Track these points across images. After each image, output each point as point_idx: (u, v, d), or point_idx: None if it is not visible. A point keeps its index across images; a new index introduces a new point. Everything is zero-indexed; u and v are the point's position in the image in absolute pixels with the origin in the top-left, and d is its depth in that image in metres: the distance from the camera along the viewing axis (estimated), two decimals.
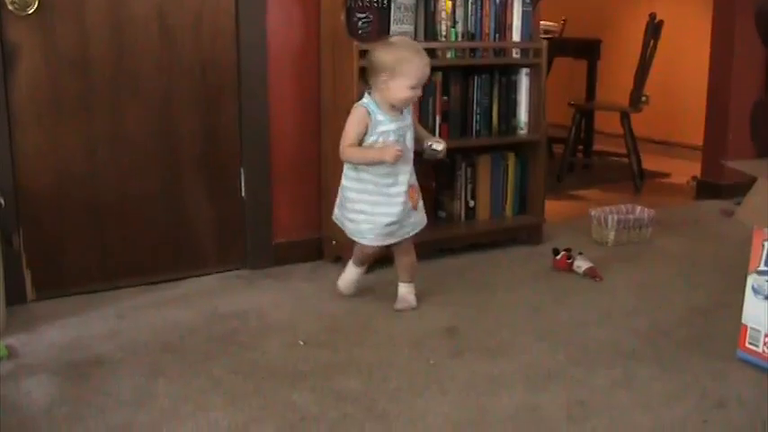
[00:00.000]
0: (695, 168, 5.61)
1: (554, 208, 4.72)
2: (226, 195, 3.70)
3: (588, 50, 6.57)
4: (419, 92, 3.16)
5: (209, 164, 3.64)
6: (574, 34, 7.08)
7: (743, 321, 2.79)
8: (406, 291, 3.31)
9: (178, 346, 2.92)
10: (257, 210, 3.76)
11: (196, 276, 3.65)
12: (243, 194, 3.73)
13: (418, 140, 3.27)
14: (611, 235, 4.22)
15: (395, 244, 3.25)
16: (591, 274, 3.68)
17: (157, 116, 3.49)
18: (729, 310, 2.93)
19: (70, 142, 3.33)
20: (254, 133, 3.69)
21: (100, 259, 3.46)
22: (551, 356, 2.85)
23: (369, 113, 3.12)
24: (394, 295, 3.34)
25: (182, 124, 3.55)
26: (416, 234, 3.29)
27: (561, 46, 6.45)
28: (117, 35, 3.36)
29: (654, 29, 5.73)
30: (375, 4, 3.73)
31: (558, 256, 3.80)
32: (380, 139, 3.12)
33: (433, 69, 3.78)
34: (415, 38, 3.81)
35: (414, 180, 3.24)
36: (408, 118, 3.21)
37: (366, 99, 3.16)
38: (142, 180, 3.50)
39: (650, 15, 5.72)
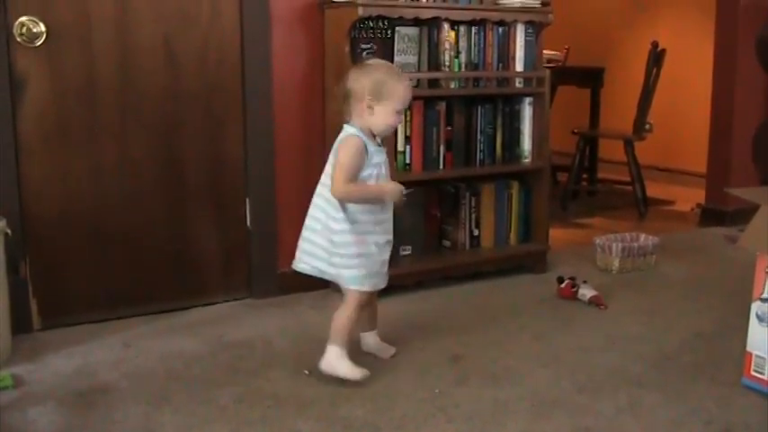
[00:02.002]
0: (699, 195, 5.62)
1: (558, 236, 4.73)
2: (231, 223, 3.72)
3: (592, 79, 6.61)
4: (401, 116, 2.91)
5: (215, 192, 3.66)
6: (577, 62, 7.11)
7: (747, 349, 2.79)
8: (378, 339, 3.15)
9: (184, 375, 2.93)
10: (262, 238, 3.77)
11: (202, 305, 3.66)
12: (248, 223, 3.74)
13: None
14: (616, 262, 4.23)
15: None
16: (595, 301, 3.68)
17: (163, 143, 3.52)
18: (734, 337, 2.93)
19: (76, 170, 3.35)
20: (260, 161, 3.71)
21: (105, 288, 3.47)
22: (556, 383, 2.85)
23: (365, 144, 2.84)
24: (398, 321, 3.34)
25: (187, 152, 3.57)
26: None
27: (565, 74, 6.49)
28: (123, 63, 3.40)
29: (656, 57, 5.76)
30: (379, 35, 3.76)
31: (563, 284, 3.81)
32: (374, 173, 2.85)
33: (437, 99, 3.84)
34: (419, 68, 3.84)
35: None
36: (385, 147, 2.97)
37: (353, 129, 2.86)
38: (148, 208, 3.52)
39: (653, 43, 5.76)
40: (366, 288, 2.89)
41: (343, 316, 2.89)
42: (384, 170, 2.89)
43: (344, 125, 2.90)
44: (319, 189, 2.90)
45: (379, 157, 2.87)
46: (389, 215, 2.94)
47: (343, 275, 2.87)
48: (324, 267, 2.90)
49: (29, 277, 3.31)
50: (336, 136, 3.70)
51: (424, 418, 2.60)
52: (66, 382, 2.87)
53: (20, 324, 3.24)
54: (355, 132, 2.84)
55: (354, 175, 2.82)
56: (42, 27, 3.19)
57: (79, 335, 3.30)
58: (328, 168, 2.88)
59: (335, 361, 2.85)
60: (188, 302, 3.64)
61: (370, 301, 3.00)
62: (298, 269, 2.99)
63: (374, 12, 3.59)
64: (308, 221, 2.92)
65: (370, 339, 3.13)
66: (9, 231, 3.07)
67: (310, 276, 3.86)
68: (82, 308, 3.44)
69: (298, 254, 2.97)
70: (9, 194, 3.21)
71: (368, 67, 2.90)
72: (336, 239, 2.84)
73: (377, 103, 2.80)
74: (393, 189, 2.86)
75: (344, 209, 2.82)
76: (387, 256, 2.95)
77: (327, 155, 3.79)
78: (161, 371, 2.96)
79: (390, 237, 2.96)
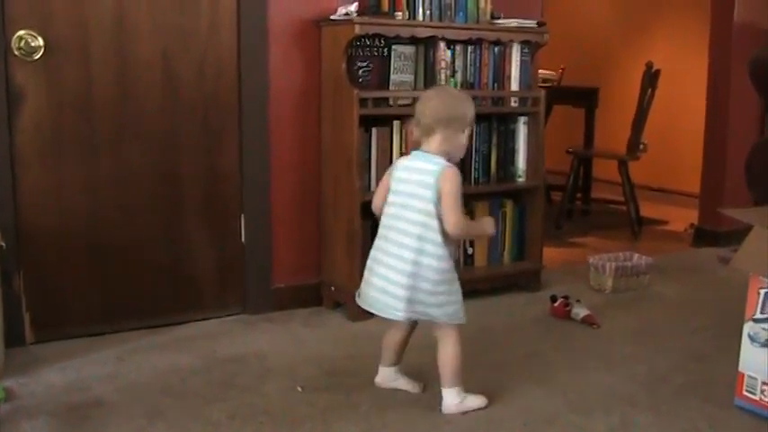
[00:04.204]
0: (693, 216, 5.64)
1: (552, 255, 4.74)
2: (226, 239, 3.72)
3: (586, 98, 6.64)
4: None
5: (210, 207, 3.67)
6: (572, 82, 7.15)
7: (740, 369, 2.80)
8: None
9: (177, 390, 2.92)
10: (257, 254, 3.78)
11: (196, 320, 3.66)
12: (243, 239, 3.75)
13: None
14: (609, 282, 4.24)
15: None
16: (588, 321, 3.69)
17: (159, 158, 3.53)
18: (727, 357, 2.94)
19: (72, 183, 3.36)
20: (255, 177, 3.72)
21: (99, 302, 3.47)
22: (549, 402, 2.85)
23: None
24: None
25: (183, 166, 3.58)
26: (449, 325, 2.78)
27: (560, 94, 6.52)
28: (121, 77, 3.41)
29: (651, 77, 5.79)
30: (376, 53, 3.78)
31: (556, 303, 3.82)
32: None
33: None
34: (415, 87, 3.86)
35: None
36: None
37: (439, 158, 2.70)
38: (143, 222, 3.52)
39: (647, 64, 5.79)
40: (464, 319, 2.78)
41: (452, 354, 2.75)
42: None
43: (423, 153, 2.73)
44: (405, 227, 2.69)
45: None
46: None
47: (448, 312, 2.71)
48: (428, 310, 2.70)
49: (22, 290, 3.31)
50: (333, 153, 3.74)
51: None
52: (59, 395, 2.86)
53: (13, 337, 3.24)
54: (448, 164, 2.70)
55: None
56: (41, 41, 3.20)
57: (73, 348, 3.30)
58: (416, 203, 2.68)
59: (461, 401, 2.76)
60: (182, 317, 3.64)
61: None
62: (398, 318, 2.74)
63: (371, 30, 3.60)
64: (393, 265, 2.69)
65: (393, 374, 2.94)
66: (3, 244, 3.08)
67: (305, 292, 3.89)
68: (76, 321, 3.43)
69: (398, 303, 2.68)
70: (4, 207, 3.22)
71: (454, 93, 2.89)
72: (440, 277, 2.67)
73: (462, 133, 2.75)
74: (491, 223, 2.84)
75: (446, 244, 2.68)
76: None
77: (322, 171, 3.84)
78: (155, 385, 2.95)
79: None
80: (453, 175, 2.66)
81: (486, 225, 2.84)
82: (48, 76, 3.26)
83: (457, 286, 2.73)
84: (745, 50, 4.99)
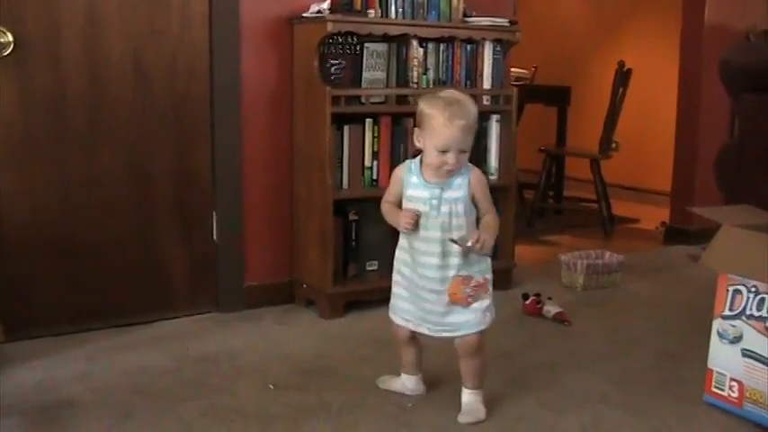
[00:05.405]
0: (664, 214, 5.68)
1: (524, 253, 4.75)
2: (198, 238, 3.71)
3: (559, 97, 6.66)
4: (451, 158, 2.55)
5: (182, 206, 3.65)
6: (545, 81, 7.17)
7: (709, 366, 2.82)
8: (470, 399, 2.73)
9: (148, 389, 2.91)
10: (229, 253, 3.77)
11: (167, 319, 3.64)
12: (215, 237, 3.73)
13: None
14: (581, 280, 4.26)
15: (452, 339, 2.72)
16: (560, 318, 3.70)
17: (131, 158, 3.51)
18: (698, 354, 2.96)
19: (43, 183, 3.33)
20: (227, 176, 3.71)
21: (70, 301, 3.45)
22: (521, 400, 2.86)
23: (404, 173, 2.68)
24: (364, 337, 3.34)
25: (155, 166, 3.56)
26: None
27: (532, 92, 6.54)
28: (92, 76, 3.38)
29: (623, 77, 5.83)
30: (348, 51, 3.77)
31: (528, 301, 3.83)
32: (411, 204, 2.64)
33: (405, 115, 3.84)
34: (387, 84, 3.85)
35: (472, 272, 2.64)
36: (457, 191, 2.62)
37: (413, 158, 2.72)
38: (114, 222, 3.50)
39: (619, 63, 5.83)
40: (392, 318, 2.78)
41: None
42: (430, 209, 2.60)
43: None
44: None
45: (421, 191, 2.62)
46: (431, 260, 2.63)
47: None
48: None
49: None
50: (305, 150, 3.74)
51: None
52: (29, 395, 2.84)
53: None
54: (408, 161, 2.71)
55: (393, 196, 2.71)
56: (10, 37, 3.17)
57: (43, 348, 3.27)
58: None
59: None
60: (154, 316, 3.62)
61: (464, 351, 2.73)
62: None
63: (343, 28, 3.60)
64: None
65: (462, 395, 2.77)
66: None
67: (277, 290, 3.88)
68: (46, 321, 3.41)
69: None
70: None
71: (430, 96, 2.63)
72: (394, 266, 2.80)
73: (421, 136, 2.60)
74: (401, 218, 2.63)
75: (403, 235, 2.69)
76: (420, 303, 2.69)
77: (295, 169, 3.85)
78: (125, 385, 2.94)
79: (431, 285, 2.65)
80: (395, 169, 2.75)
81: (399, 216, 2.64)
82: (18, 74, 3.23)
83: (395, 279, 2.75)
84: (715, 51, 5.02)
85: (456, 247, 2.58)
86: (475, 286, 2.63)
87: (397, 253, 2.74)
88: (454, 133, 2.52)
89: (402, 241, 2.71)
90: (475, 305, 2.65)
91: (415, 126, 2.66)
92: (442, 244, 2.59)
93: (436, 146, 2.53)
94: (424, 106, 2.57)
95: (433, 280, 2.62)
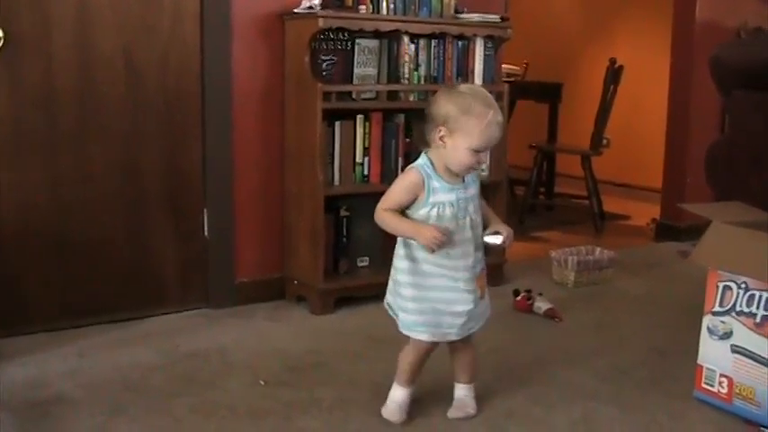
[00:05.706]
0: (655, 211, 5.69)
1: (515, 249, 4.72)
2: (189, 234, 3.70)
3: (550, 94, 6.66)
4: (484, 158, 2.52)
5: (173, 202, 3.64)
6: (536, 78, 7.18)
7: (698, 362, 2.83)
8: (463, 394, 2.73)
9: (139, 385, 2.91)
10: (220, 249, 3.76)
11: (158, 315, 3.64)
12: (206, 233, 3.73)
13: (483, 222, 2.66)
14: (572, 276, 4.26)
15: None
16: (551, 314, 3.71)
17: (122, 154, 3.50)
18: (688, 350, 2.97)
19: (34, 179, 3.32)
20: (218, 172, 3.71)
21: (61, 297, 3.44)
22: (511, 396, 2.87)
23: (423, 180, 2.50)
24: (355, 334, 3.34)
25: (146, 162, 3.55)
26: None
27: (523, 89, 6.55)
28: (83, 72, 3.37)
29: (614, 73, 5.83)
30: (339, 47, 3.77)
31: (518, 297, 3.84)
32: (435, 211, 2.49)
33: (397, 111, 3.85)
34: (378, 80, 3.85)
35: (483, 264, 2.65)
36: (472, 187, 2.59)
37: (422, 159, 2.54)
38: (105, 218, 3.49)
39: (610, 60, 5.83)
40: (422, 337, 2.59)
41: (403, 353, 2.67)
42: (458, 210, 2.52)
43: (422, 152, 2.57)
44: None
45: (447, 194, 2.51)
46: (467, 262, 2.56)
47: (400, 319, 2.61)
48: (391, 303, 2.65)
49: None
50: (297, 146, 3.74)
51: (379, 430, 2.60)
52: (20, 391, 2.83)
53: None
54: (420, 165, 2.53)
55: (398, 204, 2.51)
56: (0, 33, 3.16)
57: (34, 344, 3.27)
58: None
59: (389, 401, 2.67)
60: (145, 312, 3.62)
61: (462, 347, 2.70)
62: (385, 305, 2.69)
63: (335, 24, 3.60)
64: None
65: (455, 391, 2.76)
66: None
67: (267, 286, 3.88)
68: (37, 317, 3.40)
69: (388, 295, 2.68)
70: None
71: (454, 91, 2.51)
72: (397, 278, 2.59)
73: (449, 135, 2.45)
74: (427, 234, 2.45)
75: (404, 243, 2.56)
76: (459, 308, 2.57)
77: (286, 165, 3.84)
78: (116, 381, 2.93)
79: (470, 297, 2.57)
80: (404, 175, 2.57)
81: (421, 231, 2.47)
82: (7, 70, 3.22)
83: (405, 293, 2.57)
84: (706, 48, 5.02)
85: (492, 243, 2.58)
86: (485, 277, 2.67)
87: (404, 266, 2.57)
88: (496, 133, 2.45)
89: (420, 254, 2.53)
90: (486, 296, 2.68)
91: (437, 126, 2.47)
92: (474, 243, 2.56)
93: (475, 146, 2.43)
94: (453, 107, 2.44)
95: (469, 280, 2.56)
